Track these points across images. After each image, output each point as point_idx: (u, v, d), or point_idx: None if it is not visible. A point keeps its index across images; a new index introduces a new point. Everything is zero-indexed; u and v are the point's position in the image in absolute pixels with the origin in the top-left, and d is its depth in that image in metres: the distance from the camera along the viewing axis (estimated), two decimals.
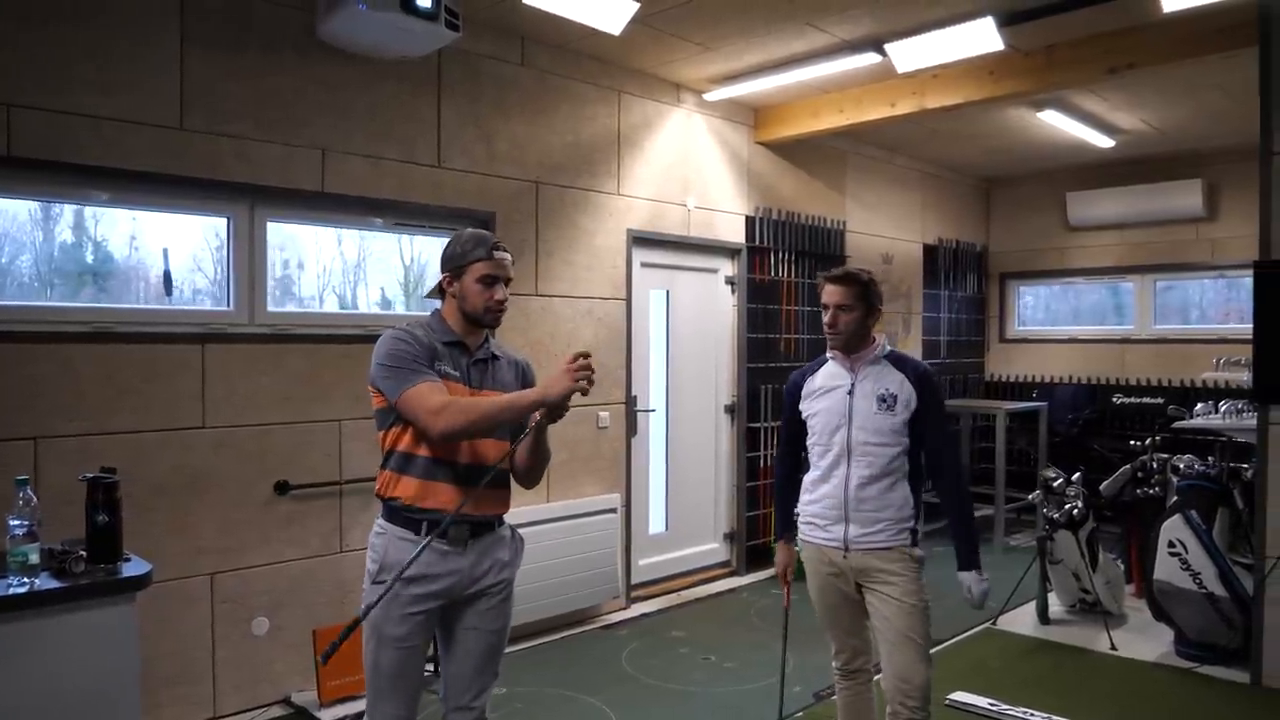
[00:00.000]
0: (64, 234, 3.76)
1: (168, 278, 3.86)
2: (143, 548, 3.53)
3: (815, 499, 2.89)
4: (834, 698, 3.98)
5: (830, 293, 2.85)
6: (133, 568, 2.33)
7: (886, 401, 2.81)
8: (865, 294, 2.84)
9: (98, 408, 3.47)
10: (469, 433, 2.27)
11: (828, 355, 2.97)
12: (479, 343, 2.46)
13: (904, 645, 2.74)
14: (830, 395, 2.88)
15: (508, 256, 2.44)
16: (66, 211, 3.70)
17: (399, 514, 2.34)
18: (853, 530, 2.80)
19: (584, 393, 2.23)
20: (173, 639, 3.67)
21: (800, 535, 2.98)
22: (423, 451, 2.32)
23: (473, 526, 2.36)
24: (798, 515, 3.00)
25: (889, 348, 2.93)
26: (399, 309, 4.72)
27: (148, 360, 3.59)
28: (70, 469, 3.35)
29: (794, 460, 3.04)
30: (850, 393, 2.84)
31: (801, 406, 2.97)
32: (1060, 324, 8.72)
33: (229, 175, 3.78)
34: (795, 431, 3.00)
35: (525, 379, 2.56)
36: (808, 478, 2.96)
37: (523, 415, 2.30)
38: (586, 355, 2.23)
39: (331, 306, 4.47)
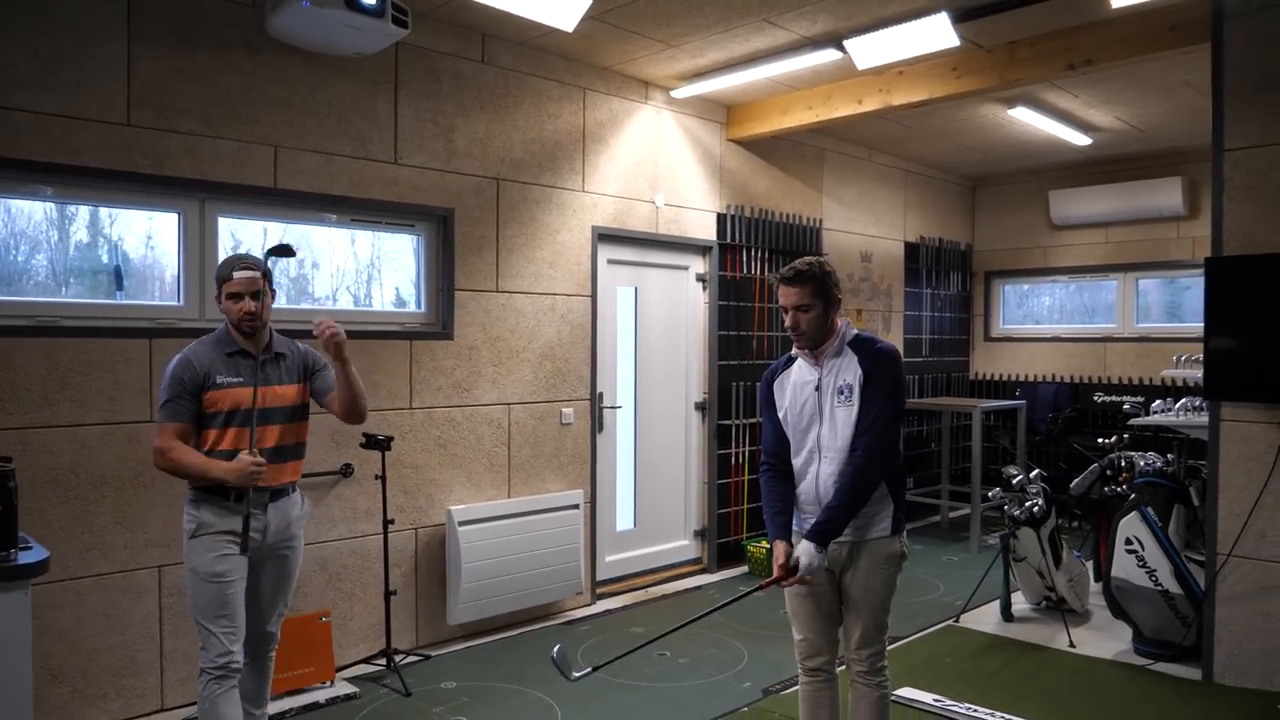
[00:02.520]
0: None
1: (118, 273, 3.89)
2: (87, 540, 3.62)
3: (798, 492, 2.84)
4: (784, 694, 4.04)
5: (786, 294, 2.78)
6: (29, 555, 2.36)
7: (844, 393, 2.76)
8: (822, 289, 2.76)
9: (39, 401, 3.50)
10: (172, 473, 2.91)
11: (793, 353, 2.92)
12: (261, 347, 3.00)
13: (867, 617, 2.79)
14: (801, 392, 2.85)
15: (250, 274, 2.95)
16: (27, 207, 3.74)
17: (210, 488, 2.91)
18: None
19: (250, 487, 2.89)
20: (119, 631, 3.71)
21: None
22: (225, 445, 2.91)
23: (271, 493, 2.99)
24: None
25: (854, 331, 2.85)
26: (355, 304, 4.75)
27: (91, 354, 3.62)
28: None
29: (783, 466, 2.88)
30: (818, 389, 2.81)
31: (776, 405, 2.91)
32: (1044, 322, 8.69)
33: (178, 171, 3.81)
34: (777, 433, 2.90)
35: (308, 366, 3.16)
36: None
37: (208, 480, 2.87)
38: (260, 463, 2.87)
39: (281, 302, 4.48)
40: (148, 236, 3.98)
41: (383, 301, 4.82)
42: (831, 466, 2.76)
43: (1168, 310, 8.00)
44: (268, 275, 3.03)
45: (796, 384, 2.87)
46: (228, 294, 2.95)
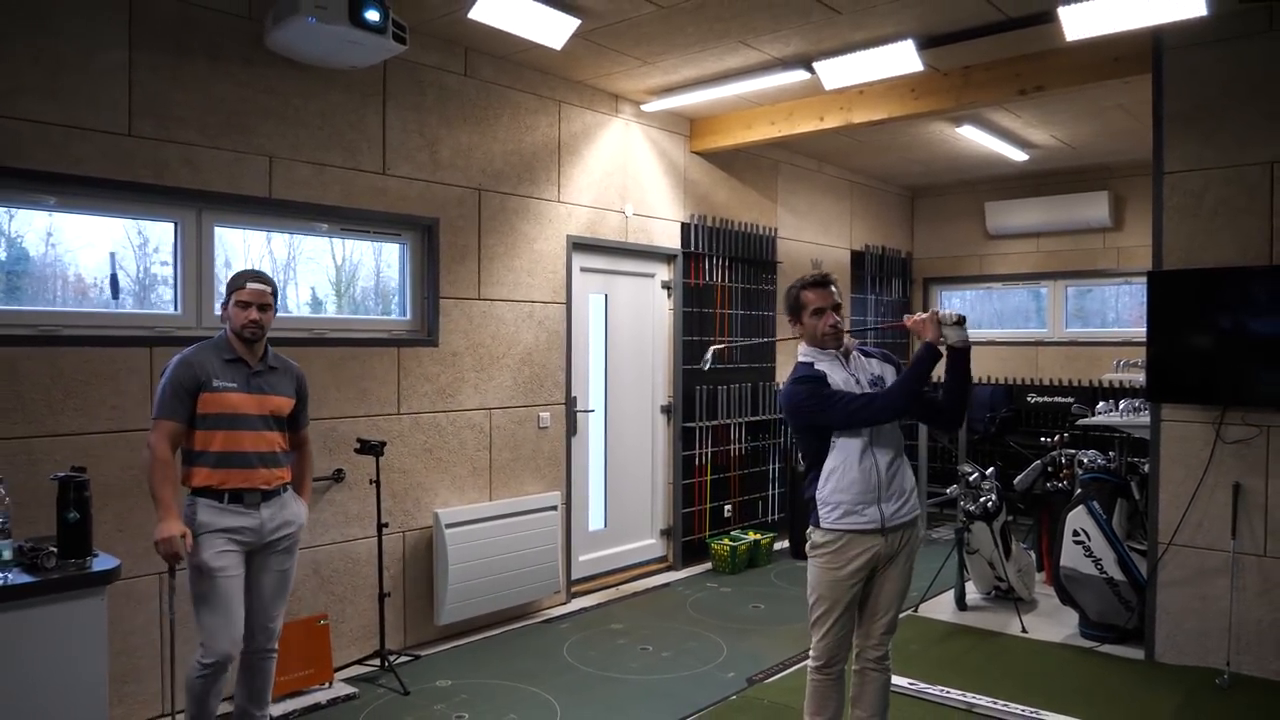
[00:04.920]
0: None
1: (114, 282, 3.90)
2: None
3: (844, 486, 2.93)
4: (767, 682, 4.27)
5: (823, 295, 2.98)
6: (102, 563, 2.42)
7: (879, 385, 2.98)
8: (839, 290, 3.06)
9: (43, 410, 3.50)
10: (147, 474, 3.07)
11: (808, 359, 3.04)
12: (257, 358, 3.23)
13: (899, 604, 3.06)
14: (844, 388, 2.97)
15: (261, 287, 3.19)
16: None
17: (204, 490, 3.12)
18: (887, 509, 2.94)
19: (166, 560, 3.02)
20: (122, 638, 3.72)
21: (828, 523, 2.97)
22: (215, 447, 3.09)
23: (264, 494, 3.18)
24: (819, 503, 3.00)
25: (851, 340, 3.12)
26: (344, 312, 4.81)
27: (94, 363, 3.64)
28: (15, 471, 3.41)
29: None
30: (859, 383, 2.99)
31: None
32: (980, 327, 9.14)
33: (177, 181, 3.85)
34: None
35: (300, 386, 3.39)
36: (828, 466, 2.97)
37: (157, 504, 3.02)
38: (176, 558, 2.98)
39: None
40: (48, 233, 3.90)
41: (307, 307, 4.88)
42: (888, 453, 2.97)
43: (1095, 315, 8.52)
44: (276, 293, 3.27)
45: (835, 381, 2.98)
46: (237, 301, 3.15)
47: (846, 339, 3.08)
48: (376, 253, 4.90)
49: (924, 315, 2.94)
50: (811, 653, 3.08)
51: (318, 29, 3.74)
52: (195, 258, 3.99)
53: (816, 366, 3.03)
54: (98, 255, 3.90)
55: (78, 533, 2.36)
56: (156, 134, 3.78)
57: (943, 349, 2.94)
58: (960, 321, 2.92)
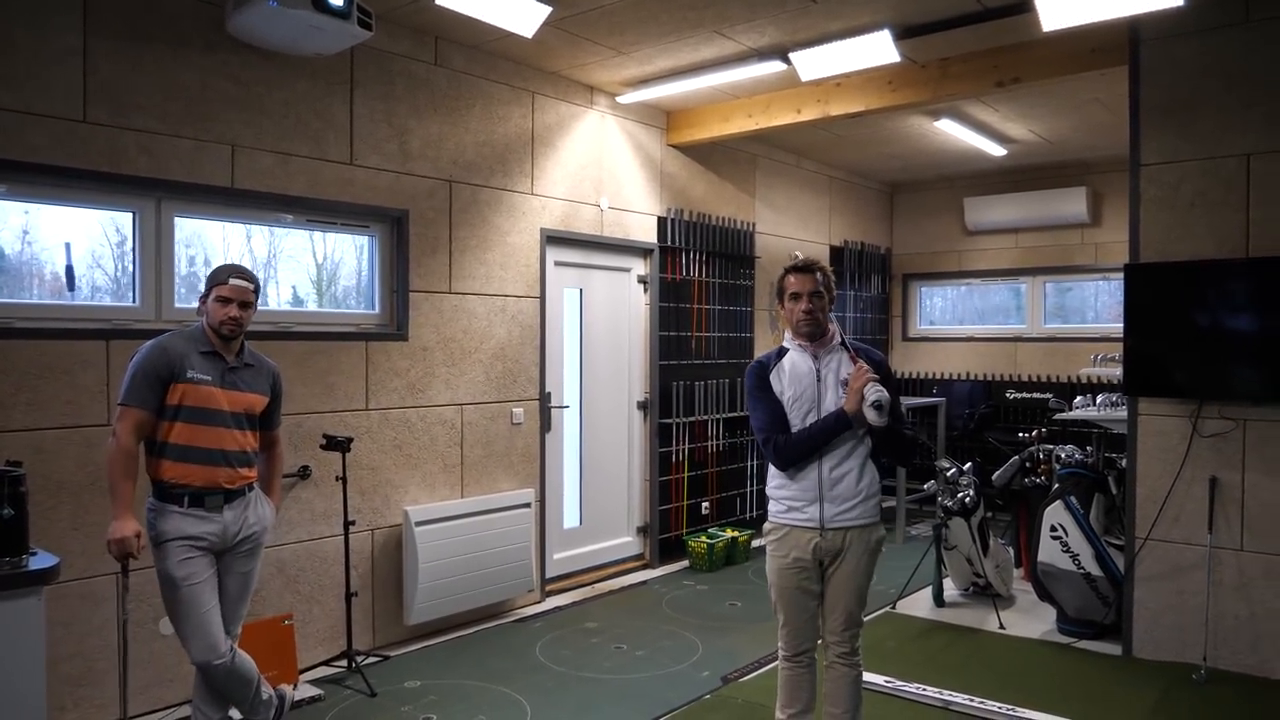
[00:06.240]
0: None
1: (70, 273, 3.78)
2: (44, 547, 3.48)
3: (787, 482, 2.95)
4: (742, 680, 4.21)
5: (803, 281, 2.91)
6: (39, 561, 2.32)
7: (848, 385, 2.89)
8: (828, 283, 2.95)
9: None
10: (107, 464, 2.96)
11: (786, 345, 3.02)
12: (233, 353, 3.13)
13: (853, 600, 2.96)
14: (798, 382, 2.94)
15: (244, 284, 3.08)
16: None
17: (165, 491, 3.00)
18: (828, 510, 2.89)
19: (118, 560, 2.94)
20: (77, 640, 3.62)
21: (772, 517, 3.03)
22: (180, 440, 2.97)
23: (227, 495, 3.06)
24: (768, 496, 3.05)
25: (841, 335, 3.00)
26: (311, 306, 4.71)
27: (48, 357, 3.52)
28: None
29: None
30: (818, 379, 2.93)
31: (774, 390, 2.98)
32: (960, 323, 9.13)
33: (134, 169, 3.74)
34: (779, 411, 2.94)
35: (274, 384, 3.29)
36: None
37: (112, 499, 2.92)
38: (128, 558, 2.91)
39: None
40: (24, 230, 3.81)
41: (279, 301, 4.73)
42: (835, 452, 2.89)
43: (1074, 310, 8.51)
44: (258, 291, 3.18)
45: (792, 373, 2.96)
46: (217, 296, 3.04)
47: (834, 331, 3.00)
48: (358, 251, 4.80)
49: (861, 377, 2.81)
50: (779, 642, 3.07)
51: (279, 13, 3.64)
52: (154, 248, 3.88)
53: (786, 354, 3.01)
54: (76, 250, 3.79)
55: (12, 530, 2.26)
56: (113, 120, 3.67)
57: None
58: (878, 406, 2.75)
